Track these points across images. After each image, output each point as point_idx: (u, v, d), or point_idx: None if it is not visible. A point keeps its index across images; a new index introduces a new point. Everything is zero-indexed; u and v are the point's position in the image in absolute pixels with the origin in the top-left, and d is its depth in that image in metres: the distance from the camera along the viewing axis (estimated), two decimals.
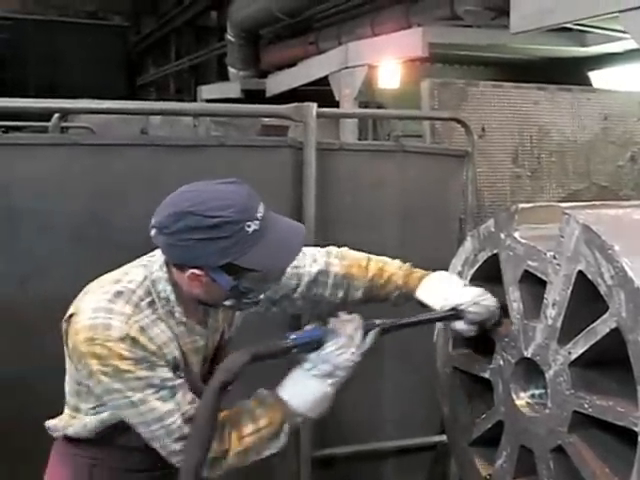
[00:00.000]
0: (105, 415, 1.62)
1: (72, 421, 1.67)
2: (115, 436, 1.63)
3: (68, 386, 1.67)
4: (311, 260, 1.84)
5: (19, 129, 6.18)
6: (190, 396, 1.56)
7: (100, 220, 2.40)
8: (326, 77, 7.16)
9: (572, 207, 1.62)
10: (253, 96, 9.10)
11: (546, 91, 3.45)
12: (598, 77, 6.82)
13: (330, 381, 1.57)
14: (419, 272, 1.88)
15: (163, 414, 1.51)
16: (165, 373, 1.53)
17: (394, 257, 2.81)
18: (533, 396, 1.69)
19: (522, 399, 1.69)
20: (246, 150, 2.62)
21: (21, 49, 15.60)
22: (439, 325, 1.97)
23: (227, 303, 1.60)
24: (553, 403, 1.56)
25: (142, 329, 1.53)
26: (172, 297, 1.59)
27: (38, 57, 15.71)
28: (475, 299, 1.73)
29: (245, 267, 1.50)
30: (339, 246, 2.27)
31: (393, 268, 1.89)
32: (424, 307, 1.82)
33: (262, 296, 1.64)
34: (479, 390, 1.84)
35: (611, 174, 3.55)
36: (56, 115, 2.87)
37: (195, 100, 11.31)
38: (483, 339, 1.79)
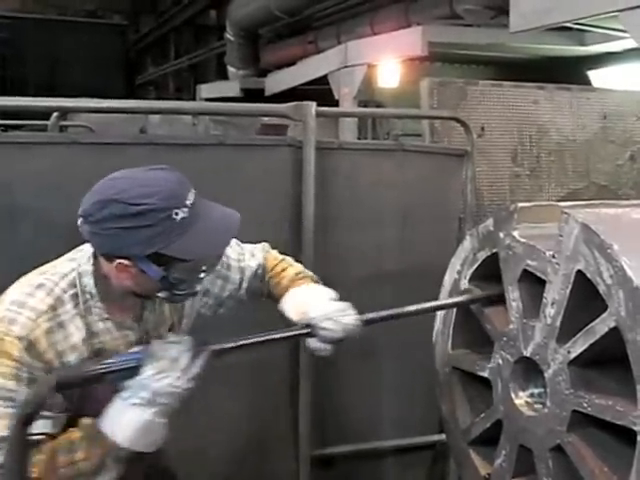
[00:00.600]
0: None
1: None
2: None
3: None
4: (250, 254, 1.82)
5: (18, 128, 6.18)
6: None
7: None
8: (325, 76, 7.16)
9: (571, 206, 1.62)
10: (252, 95, 9.10)
11: (545, 90, 3.44)
12: (597, 76, 6.81)
13: (151, 410, 1.43)
14: (302, 281, 1.78)
15: None
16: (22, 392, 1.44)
17: (393, 256, 2.85)
18: (532, 395, 1.69)
19: (521, 398, 1.69)
20: (245, 149, 2.62)
21: (20, 48, 15.60)
22: (438, 324, 1.97)
23: (161, 295, 1.54)
24: (552, 402, 1.56)
25: (49, 330, 1.49)
26: (93, 291, 1.54)
27: (37, 56, 15.71)
28: (330, 314, 1.61)
29: (173, 256, 1.45)
30: (338, 246, 2.28)
31: (291, 271, 1.81)
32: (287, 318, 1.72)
33: (199, 287, 1.59)
34: (478, 389, 1.84)
35: (610, 173, 3.56)
36: (55, 114, 2.87)
37: (194, 99, 11.30)
38: (482, 338, 1.79)
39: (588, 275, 1.49)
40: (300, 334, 1.63)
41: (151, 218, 1.42)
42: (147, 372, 1.44)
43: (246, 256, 1.82)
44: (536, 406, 1.66)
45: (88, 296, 1.54)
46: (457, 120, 2.97)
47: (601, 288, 1.45)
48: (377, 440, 2.89)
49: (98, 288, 1.55)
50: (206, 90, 10.79)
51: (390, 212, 2.83)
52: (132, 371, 1.45)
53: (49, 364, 1.48)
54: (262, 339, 1.59)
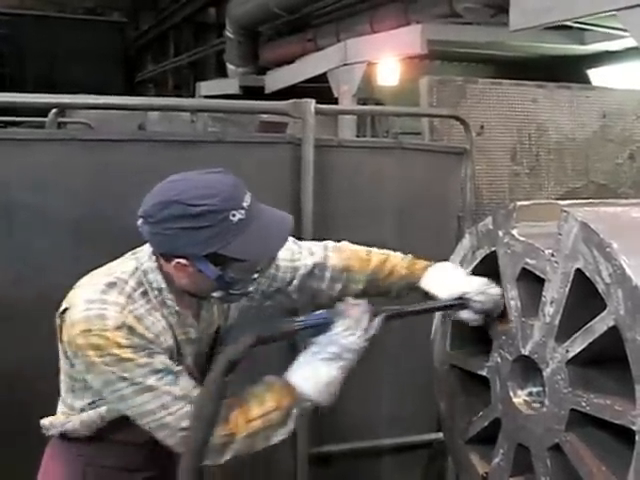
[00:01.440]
0: (103, 410, 1.60)
1: (69, 419, 1.66)
2: (113, 432, 1.62)
3: (63, 384, 1.66)
4: (307, 253, 1.84)
5: (17, 124, 6.16)
6: (192, 382, 1.54)
7: (98, 215, 2.39)
8: (325, 74, 7.15)
9: (570, 205, 1.61)
10: (251, 93, 9.08)
11: (545, 89, 3.44)
12: (597, 75, 6.82)
13: (338, 364, 1.55)
14: (422, 262, 1.89)
15: (170, 401, 1.50)
16: (165, 359, 1.52)
17: None
18: (530, 394, 1.68)
19: (519, 397, 1.68)
20: (244, 146, 2.62)
21: (20, 45, 15.58)
22: (437, 323, 1.96)
23: (215, 294, 1.59)
24: (550, 401, 1.56)
25: (138, 318, 1.52)
26: (163, 285, 1.58)
27: (36, 53, 15.69)
28: (481, 288, 1.73)
29: (230, 256, 1.49)
30: (336, 241, 2.26)
31: (396, 259, 1.89)
32: (428, 297, 1.82)
33: (252, 288, 1.63)
34: (476, 388, 1.83)
35: (610, 172, 3.55)
36: (53, 110, 2.86)
37: (194, 96, 11.28)
38: (481, 336, 1.79)
39: (587, 274, 1.48)
40: (455, 305, 1.77)
41: (210, 219, 1.46)
42: (337, 329, 1.55)
43: (303, 254, 1.84)
44: (534, 405, 1.66)
45: (157, 292, 1.58)
46: (456, 118, 2.97)
47: (600, 287, 1.45)
48: (375, 438, 2.89)
49: (166, 281, 1.59)
50: (205, 88, 10.78)
51: (389, 210, 2.82)
52: (321, 328, 1.57)
53: (153, 342, 1.52)
54: (425, 307, 1.79)
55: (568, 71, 6.53)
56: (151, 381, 1.49)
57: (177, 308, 1.60)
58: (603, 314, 1.44)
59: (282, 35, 9.88)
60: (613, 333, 1.42)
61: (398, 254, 1.92)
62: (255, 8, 9.23)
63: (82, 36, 16.03)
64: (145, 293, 1.57)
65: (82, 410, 1.63)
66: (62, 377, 1.65)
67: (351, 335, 1.55)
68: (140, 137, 2.64)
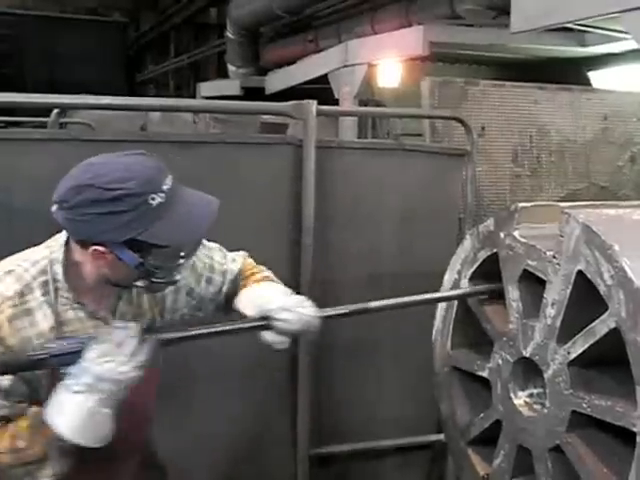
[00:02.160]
0: None
1: None
2: None
3: None
4: (231, 259, 1.79)
5: (17, 125, 6.17)
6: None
7: None
8: (325, 75, 7.15)
9: (572, 207, 1.61)
10: (252, 94, 9.09)
11: (546, 91, 3.44)
12: (598, 77, 6.81)
13: (95, 397, 1.38)
14: (261, 282, 1.73)
15: None
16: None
17: (393, 255, 2.84)
18: (531, 395, 1.69)
19: (520, 398, 1.69)
20: (246, 147, 2.62)
21: (20, 45, 15.58)
22: (438, 324, 1.96)
23: (139, 283, 1.51)
24: (551, 403, 1.56)
25: (14, 316, 1.45)
26: (61, 279, 1.50)
27: (37, 53, 15.69)
28: (286, 305, 1.56)
29: (150, 242, 1.42)
30: (338, 244, 2.27)
31: (258, 276, 1.77)
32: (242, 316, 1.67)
33: (178, 276, 1.54)
34: (477, 389, 1.84)
35: (610, 174, 3.55)
36: (55, 111, 2.86)
37: (194, 97, 11.28)
38: (482, 338, 1.79)
39: (588, 276, 1.48)
40: (256, 326, 1.56)
41: (127, 203, 1.39)
42: (89, 355, 1.39)
43: (228, 260, 1.79)
44: (535, 406, 1.66)
45: (59, 284, 1.51)
46: (458, 120, 2.96)
47: (601, 289, 1.45)
48: (375, 439, 2.88)
49: (67, 276, 1.51)
50: (206, 88, 10.78)
51: (390, 211, 2.82)
52: (76, 356, 1.39)
53: (10, 349, 1.44)
54: (214, 330, 1.54)
55: (569, 73, 6.52)
56: None
57: (76, 304, 1.52)
58: (604, 316, 1.44)
59: (283, 36, 9.89)
60: (614, 335, 1.42)
61: (271, 276, 1.79)
62: (256, 9, 9.23)
63: (83, 36, 16.03)
64: (46, 284, 1.49)
65: None
66: None
67: (108, 362, 1.39)
68: (142, 138, 2.64)
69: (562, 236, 1.55)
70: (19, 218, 2.31)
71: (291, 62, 8.83)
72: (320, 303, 1.63)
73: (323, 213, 2.66)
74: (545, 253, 1.60)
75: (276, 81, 8.92)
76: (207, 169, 2.46)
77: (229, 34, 10.27)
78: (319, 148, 2.62)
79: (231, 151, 2.57)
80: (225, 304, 1.78)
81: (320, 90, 6.68)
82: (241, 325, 1.59)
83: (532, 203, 1.76)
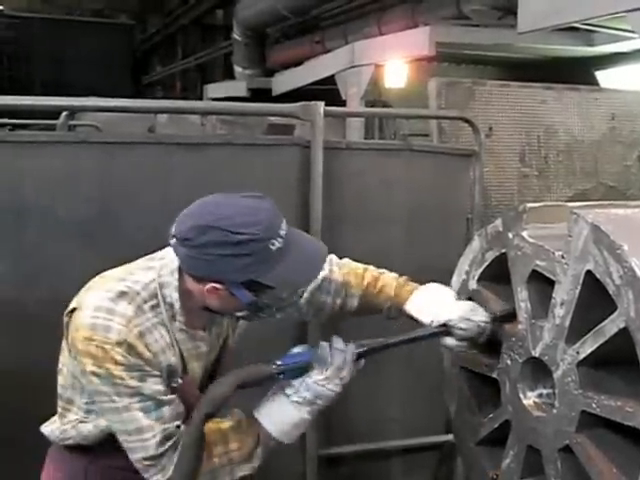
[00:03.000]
0: (103, 423, 1.60)
1: (68, 430, 1.65)
2: (112, 440, 1.60)
3: (63, 379, 1.65)
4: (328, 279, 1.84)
5: (24, 127, 6.19)
6: (176, 412, 1.55)
7: (108, 217, 2.40)
8: (332, 76, 7.17)
9: (580, 207, 1.61)
10: (259, 95, 9.11)
11: (553, 90, 3.44)
12: (605, 77, 6.80)
13: (309, 409, 1.56)
14: (412, 285, 1.85)
15: (143, 427, 1.51)
16: (155, 385, 1.52)
17: (400, 256, 2.84)
18: (541, 396, 1.68)
19: (529, 399, 1.68)
20: (253, 148, 2.63)
21: (27, 47, 15.68)
22: None
23: (239, 314, 1.59)
24: (561, 403, 1.56)
25: (141, 334, 1.51)
26: (177, 305, 1.57)
27: (44, 55, 15.79)
28: (465, 314, 1.71)
29: (266, 284, 1.48)
30: (346, 245, 2.26)
31: (388, 279, 1.86)
32: (414, 320, 1.80)
33: (279, 315, 1.62)
34: (486, 390, 1.83)
35: (619, 174, 3.55)
36: (64, 113, 2.88)
37: (201, 99, 11.33)
38: (491, 338, 1.79)
39: (597, 275, 1.48)
40: (438, 333, 1.73)
41: (251, 248, 1.44)
42: (315, 377, 1.55)
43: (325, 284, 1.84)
44: (544, 406, 1.66)
45: (168, 307, 1.57)
46: (465, 120, 2.97)
47: (610, 288, 1.45)
48: (384, 440, 2.89)
49: (182, 302, 1.57)
50: (213, 90, 10.82)
51: (398, 212, 2.83)
52: (299, 371, 1.56)
53: (150, 362, 1.52)
54: (404, 339, 1.73)
55: (576, 72, 6.51)
56: (130, 403, 1.50)
57: (185, 327, 1.59)
58: (614, 316, 1.44)
59: (290, 37, 9.92)
60: (624, 334, 1.42)
61: (393, 274, 1.88)
62: (263, 10, 9.26)
63: (90, 38, 16.11)
64: (156, 306, 1.56)
65: (79, 407, 1.63)
66: (63, 371, 1.64)
67: (329, 384, 1.56)
68: (150, 140, 2.65)
69: (571, 236, 1.55)
70: (29, 220, 2.33)
71: (298, 63, 8.85)
72: None
73: (331, 214, 2.67)
74: (554, 253, 1.60)
75: (283, 82, 8.95)
76: (215, 170, 2.47)
77: (236, 35, 10.31)
78: (327, 149, 2.63)
79: (239, 152, 2.58)
80: (307, 310, 1.86)
81: (327, 91, 6.70)
82: (426, 333, 1.76)
83: (540, 203, 1.75)
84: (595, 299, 1.50)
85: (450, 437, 2.64)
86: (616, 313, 1.43)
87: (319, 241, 1.65)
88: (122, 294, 1.53)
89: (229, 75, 11.33)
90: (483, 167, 2.96)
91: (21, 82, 14.49)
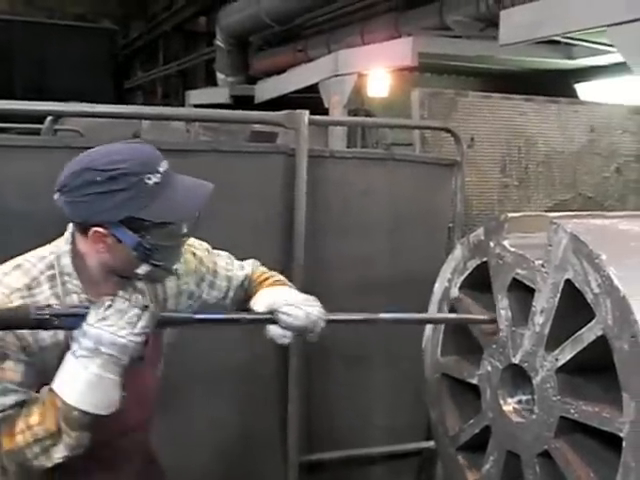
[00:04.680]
0: None
1: None
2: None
3: None
4: (239, 266, 1.84)
5: (4, 130, 6.14)
6: (14, 399, 1.46)
7: None
8: (315, 84, 7.20)
9: (560, 217, 1.65)
10: (241, 102, 9.12)
11: (534, 103, 3.49)
12: (584, 89, 6.90)
13: (97, 361, 1.40)
14: (276, 285, 1.77)
15: None
16: (11, 369, 1.46)
17: (383, 263, 2.87)
18: (520, 402, 1.71)
19: (509, 405, 1.72)
20: (238, 156, 2.64)
21: (8, 50, 15.52)
22: (428, 332, 1.99)
23: (139, 271, 1.54)
24: (540, 409, 1.59)
25: None
26: (70, 269, 1.53)
27: (25, 59, 15.64)
28: (295, 302, 1.60)
29: (146, 220, 1.47)
30: (329, 252, 2.29)
31: (270, 280, 1.80)
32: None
33: (176, 265, 1.59)
34: (467, 396, 1.86)
35: (597, 185, 3.60)
36: (49, 118, 2.88)
37: (183, 105, 11.30)
38: (471, 345, 1.82)
39: (576, 284, 1.52)
40: (261, 319, 1.60)
41: (123, 182, 1.44)
42: (89, 318, 1.43)
43: (235, 266, 1.83)
44: (524, 412, 1.69)
45: (66, 277, 1.54)
46: (447, 130, 3.00)
47: (589, 297, 1.49)
48: (365, 447, 2.90)
49: (75, 266, 1.54)
50: (195, 96, 10.80)
51: (380, 220, 2.85)
52: (79, 320, 1.43)
53: (24, 341, 1.47)
54: (218, 317, 1.62)
55: (556, 85, 6.60)
56: None
57: (85, 296, 1.54)
58: (591, 323, 1.48)
59: (272, 45, 9.94)
60: (601, 342, 1.46)
61: (283, 281, 1.81)
62: (246, 18, 9.28)
63: (71, 43, 15.99)
64: (52, 277, 1.53)
65: None
66: None
67: (108, 326, 1.42)
68: None
69: (550, 245, 1.58)
70: (12, 224, 2.32)
71: (280, 71, 8.87)
72: None
73: (315, 221, 2.68)
74: (534, 262, 1.63)
75: (266, 90, 8.96)
76: (200, 177, 2.47)
77: (218, 42, 10.31)
78: (311, 157, 2.65)
79: (224, 159, 2.59)
80: (231, 309, 1.81)
81: (309, 99, 6.72)
82: (246, 316, 1.64)
83: (521, 213, 1.79)
84: (574, 307, 1.53)
85: (431, 444, 2.67)
86: (594, 321, 1.47)
87: (206, 183, 1.57)
88: (17, 267, 1.53)
89: (211, 82, 11.33)
90: (465, 177, 2.99)
91: (1, 86, 14.35)
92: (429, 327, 1.99)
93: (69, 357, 1.43)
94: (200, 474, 2.62)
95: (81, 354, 1.41)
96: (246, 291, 1.82)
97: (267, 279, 1.81)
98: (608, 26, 4.50)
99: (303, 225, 2.64)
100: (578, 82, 6.94)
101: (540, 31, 4.98)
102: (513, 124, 3.42)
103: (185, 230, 1.54)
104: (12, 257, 2.30)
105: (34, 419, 1.44)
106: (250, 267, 1.85)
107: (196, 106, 10.21)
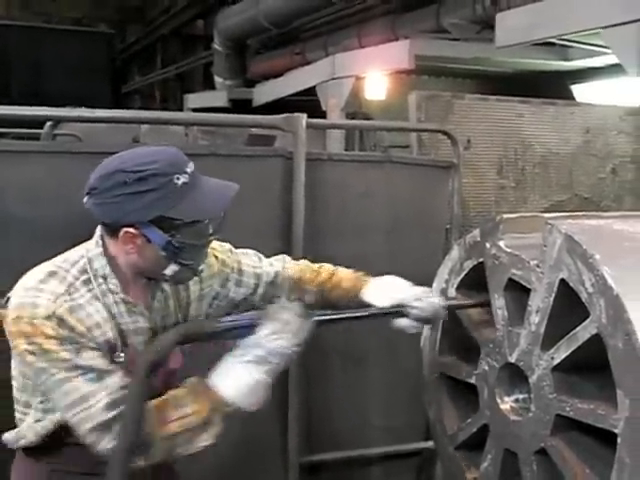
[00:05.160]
0: (56, 417, 1.59)
1: (24, 429, 1.64)
2: (66, 435, 1.59)
3: (16, 382, 1.64)
4: (268, 263, 1.89)
5: (2, 135, 6.15)
6: (123, 382, 1.52)
7: (93, 227, 2.41)
8: (312, 87, 7.23)
9: (555, 217, 1.67)
10: (239, 105, 9.15)
11: (530, 104, 3.52)
12: (581, 91, 6.94)
13: (263, 368, 1.53)
14: (368, 277, 1.90)
15: (87, 394, 1.48)
16: (92, 357, 1.51)
17: (381, 265, 2.88)
18: (517, 400, 1.73)
19: (506, 403, 1.74)
20: (236, 159, 2.66)
21: (5, 55, 15.54)
22: (426, 332, 2.01)
23: (167, 272, 1.58)
24: (536, 407, 1.61)
25: (71, 309, 1.51)
26: (107, 270, 1.58)
27: (22, 63, 15.65)
28: (419, 295, 1.75)
29: (176, 219, 1.52)
30: (327, 254, 2.30)
31: (343, 273, 1.93)
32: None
33: (202, 267, 1.65)
34: (465, 395, 1.88)
35: (593, 186, 3.63)
36: (49, 123, 2.90)
37: (181, 108, 11.33)
38: (469, 345, 1.84)
39: (571, 284, 1.54)
40: (393, 312, 1.76)
41: (153, 182, 1.49)
42: (263, 332, 1.54)
43: (264, 264, 1.89)
44: (521, 411, 1.71)
45: (101, 280, 1.58)
46: (444, 133, 3.03)
47: (583, 296, 1.51)
48: (365, 447, 2.92)
49: (111, 266, 1.59)
50: (193, 100, 10.83)
51: (378, 222, 2.87)
52: (247, 330, 1.55)
53: (84, 335, 1.52)
54: (359, 314, 1.76)
55: (553, 86, 6.64)
56: (71, 375, 1.49)
57: (123, 295, 1.59)
58: (586, 322, 1.50)
59: (270, 48, 9.97)
60: (596, 340, 1.48)
61: (349, 270, 1.95)
62: (244, 21, 9.31)
63: (68, 47, 16.00)
64: (88, 281, 1.57)
65: (36, 409, 1.62)
66: (14, 374, 1.64)
67: (278, 339, 1.54)
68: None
69: (545, 246, 1.61)
70: (14, 230, 2.34)
71: (278, 74, 8.90)
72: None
73: (313, 223, 2.70)
74: (529, 262, 1.66)
75: (264, 93, 8.99)
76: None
77: (216, 46, 10.34)
78: (309, 160, 2.67)
79: (223, 163, 2.61)
80: (263, 305, 1.83)
81: (307, 102, 6.76)
82: (381, 310, 1.78)
83: (517, 214, 1.81)
84: (569, 306, 1.56)
85: (430, 444, 2.69)
86: (588, 320, 1.49)
87: (231, 183, 1.64)
88: (52, 274, 1.55)
89: (209, 85, 11.36)
90: (462, 178, 3.02)
91: None
92: (427, 327, 2.01)
93: (233, 359, 1.53)
94: (200, 475, 2.63)
95: (249, 359, 1.52)
96: (280, 287, 1.88)
97: (333, 274, 1.92)
98: (603, 28, 4.54)
99: (301, 227, 2.66)
100: (574, 83, 6.98)
101: (535, 33, 5.02)
102: (510, 126, 3.44)
103: (211, 230, 1.59)
104: (13, 262, 2.33)
105: (189, 410, 1.51)
106: (281, 263, 1.92)
107: (194, 110, 10.25)
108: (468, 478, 1.85)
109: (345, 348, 2.78)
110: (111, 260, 1.60)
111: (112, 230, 1.56)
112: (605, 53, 5.20)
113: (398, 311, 1.75)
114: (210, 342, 1.61)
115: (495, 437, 1.75)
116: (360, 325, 2.61)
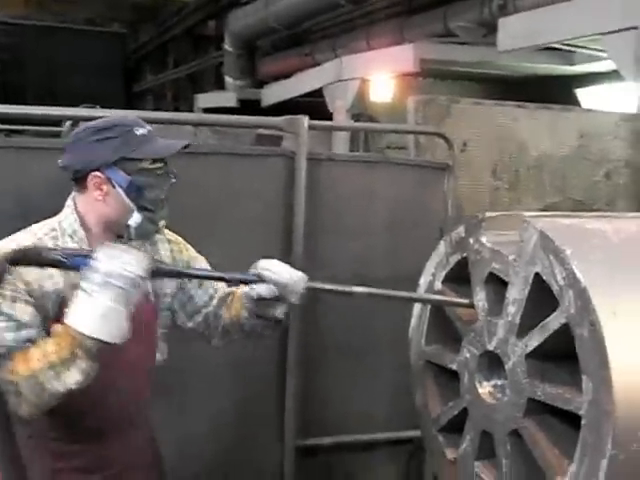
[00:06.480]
0: None
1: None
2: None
3: None
4: (222, 285, 2.03)
5: (19, 133, 6.31)
6: (34, 337, 1.63)
7: None
8: (320, 89, 7.33)
9: (532, 216, 1.79)
10: (248, 106, 9.26)
11: (525, 109, 3.60)
12: (585, 95, 7.00)
13: (110, 294, 1.55)
14: None
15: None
16: (23, 310, 1.65)
17: (378, 263, 2.99)
18: (495, 386, 1.84)
19: (485, 388, 1.84)
20: (239, 158, 2.77)
21: (20, 54, 15.71)
22: (414, 322, 2.13)
23: (131, 223, 1.77)
24: (511, 391, 1.72)
25: None
26: (76, 226, 1.78)
27: (37, 62, 15.82)
28: (280, 265, 1.81)
29: (135, 158, 1.75)
30: (327, 252, 2.40)
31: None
32: (259, 300, 1.86)
33: (162, 222, 1.82)
34: (448, 381, 1.99)
35: (586, 189, 3.70)
36: (68, 122, 3.08)
37: (192, 108, 11.45)
38: (452, 334, 1.96)
39: (544, 277, 1.65)
40: (249, 279, 1.81)
41: (117, 131, 1.76)
42: (98, 256, 1.60)
43: (219, 285, 2.03)
44: (498, 395, 1.82)
45: (68, 238, 1.77)
46: (440, 135, 3.14)
47: (555, 288, 1.62)
48: (360, 433, 3.03)
49: (80, 223, 1.78)
50: (203, 100, 10.95)
51: (376, 221, 2.98)
52: (87, 260, 1.59)
53: (29, 285, 1.67)
54: (211, 274, 1.86)
55: (557, 90, 6.70)
56: None
57: (87, 248, 1.72)
58: (556, 312, 1.61)
59: (279, 49, 10.07)
60: (565, 329, 1.59)
61: None
62: (254, 22, 9.42)
63: (82, 46, 16.14)
64: (55, 238, 1.76)
65: None
66: None
67: (115, 260, 1.58)
68: None
69: (522, 242, 1.72)
70: (35, 222, 2.45)
71: (287, 75, 9.01)
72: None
73: (313, 222, 2.81)
74: (508, 257, 1.77)
75: (272, 94, 9.10)
76: (202, 178, 2.62)
77: (227, 46, 10.45)
78: (310, 160, 2.78)
79: (226, 161, 2.73)
80: (213, 326, 2.02)
81: (315, 103, 6.88)
82: (235, 275, 1.82)
83: (498, 213, 1.93)
84: (542, 298, 1.67)
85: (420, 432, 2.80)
86: (558, 310, 1.60)
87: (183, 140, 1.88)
88: (26, 231, 1.78)
89: (220, 85, 11.47)
90: (457, 180, 3.12)
91: (13, 89, 14.54)
92: (415, 318, 2.12)
93: (80, 294, 1.58)
94: (197, 458, 2.74)
95: (92, 289, 1.56)
96: (224, 306, 2.00)
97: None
98: (603, 34, 4.63)
99: (302, 226, 2.77)
100: (579, 87, 7.04)
101: (537, 38, 5.12)
102: (505, 129, 3.53)
103: (170, 175, 1.82)
104: None
105: (50, 348, 1.59)
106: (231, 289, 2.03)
107: (205, 109, 10.37)
108: (448, 458, 1.96)
109: (343, 335, 2.88)
110: (81, 218, 1.79)
111: (81, 180, 1.77)
112: (608, 58, 5.27)
113: (254, 278, 1.79)
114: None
115: (473, 420, 1.86)
116: (359, 313, 2.73)
